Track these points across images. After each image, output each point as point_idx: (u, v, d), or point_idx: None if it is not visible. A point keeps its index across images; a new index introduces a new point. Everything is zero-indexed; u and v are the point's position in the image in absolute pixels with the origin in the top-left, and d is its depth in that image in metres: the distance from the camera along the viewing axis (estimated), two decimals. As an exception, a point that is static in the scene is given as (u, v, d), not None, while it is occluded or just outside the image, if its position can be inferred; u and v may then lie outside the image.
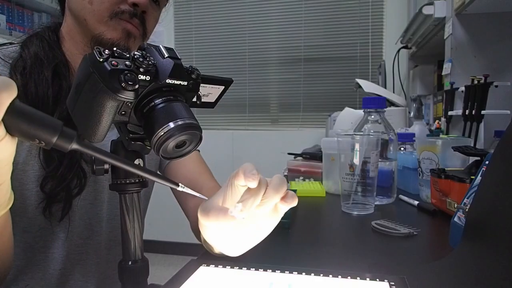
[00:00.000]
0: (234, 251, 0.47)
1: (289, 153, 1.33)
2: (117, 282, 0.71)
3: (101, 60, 0.34)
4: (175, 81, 0.39)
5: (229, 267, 0.45)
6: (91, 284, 0.69)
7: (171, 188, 0.80)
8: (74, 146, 0.32)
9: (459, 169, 0.74)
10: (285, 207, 0.41)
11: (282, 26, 2.70)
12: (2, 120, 0.29)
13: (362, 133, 0.84)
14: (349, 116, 1.50)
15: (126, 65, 0.35)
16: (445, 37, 1.39)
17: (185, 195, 0.75)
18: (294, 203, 0.41)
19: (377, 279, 0.41)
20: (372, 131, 0.85)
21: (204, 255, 0.55)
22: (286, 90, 2.74)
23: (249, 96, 2.79)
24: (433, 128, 1.50)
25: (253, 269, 0.44)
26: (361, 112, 0.93)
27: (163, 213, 2.70)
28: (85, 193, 0.65)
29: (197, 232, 0.68)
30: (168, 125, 0.36)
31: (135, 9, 0.64)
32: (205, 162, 0.81)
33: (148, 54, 0.37)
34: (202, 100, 0.47)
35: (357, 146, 0.76)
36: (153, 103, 0.38)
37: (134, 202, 0.43)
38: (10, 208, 0.41)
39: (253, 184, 0.39)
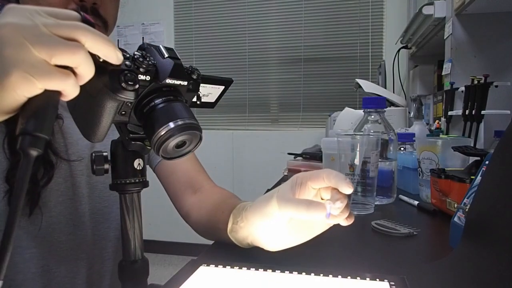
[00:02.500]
0: (276, 246, 0.49)
1: (289, 153, 1.33)
2: (105, 276, 0.70)
3: (101, 60, 0.34)
4: (175, 81, 0.39)
5: (229, 267, 0.45)
6: (79, 280, 0.68)
7: (165, 188, 0.78)
8: None
9: (459, 169, 0.74)
10: (344, 224, 0.45)
11: (282, 26, 2.71)
12: None
13: (362, 133, 0.84)
14: (349, 116, 1.50)
15: (126, 65, 0.35)
16: (445, 37, 1.39)
17: (181, 195, 0.75)
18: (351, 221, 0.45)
19: (377, 279, 0.41)
20: (372, 131, 0.85)
21: (204, 255, 0.55)
22: (286, 90, 2.74)
23: (249, 96, 2.79)
24: (433, 128, 1.50)
25: (253, 269, 0.44)
26: (361, 112, 0.93)
27: (163, 213, 2.70)
28: (63, 189, 0.65)
29: (203, 229, 0.67)
30: (168, 125, 0.36)
31: (83, 4, 0.61)
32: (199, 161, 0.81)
33: (148, 54, 0.37)
34: (202, 100, 0.47)
35: (357, 146, 0.76)
36: (153, 103, 0.38)
37: (134, 202, 0.43)
38: None
39: (350, 191, 0.43)
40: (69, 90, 0.32)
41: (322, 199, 0.47)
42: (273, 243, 0.49)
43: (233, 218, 0.53)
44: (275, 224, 0.47)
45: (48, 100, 0.31)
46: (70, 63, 0.31)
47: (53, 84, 0.30)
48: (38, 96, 0.30)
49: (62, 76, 0.31)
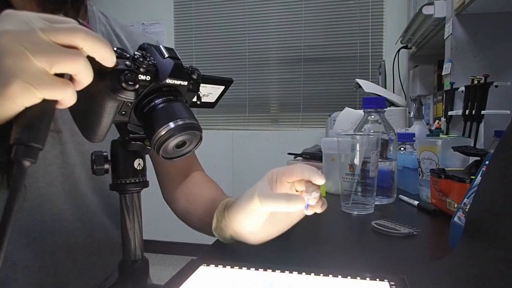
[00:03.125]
0: (258, 239, 0.52)
1: (289, 153, 1.33)
2: (105, 243, 0.67)
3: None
4: (175, 81, 0.39)
5: (229, 267, 0.45)
6: (76, 248, 0.65)
7: (156, 172, 0.77)
8: None
9: (459, 169, 0.74)
10: (320, 211, 0.48)
11: (282, 26, 2.71)
12: None
13: (362, 133, 0.84)
14: (349, 116, 1.50)
15: (126, 65, 0.35)
16: (445, 37, 1.39)
17: (171, 182, 0.74)
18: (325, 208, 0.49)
19: (377, 279, 0.41)
20: (372, 131, 0.85)
21: (204, 255, 0.55)
22: (286, 90, 2.74)
23: (249, 96, 2.79)
24: (433, 128, 1.50)
25: (253, 269, 0.44)
26: (361, 112, 0.93)
27: (163, 213, 2.69)
28: (50, 157, 0.61)
29: (189, 220, 0.68)
30: (168, 125, 0.36)
31: None
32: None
33: (148, 54, 0.37)
34: (202, 100, 0.47)
35: (357, 146, 0.76)
36: (153, 103, 0.38)
37: (134, 202, 0.43)
38: None
39: (323, 181, 0.48)
40: (68, 99, 0.32)
41: (296, 190, 0.51)
42: (255, 236, 0.52)
43: (216, 218, 0.55)
44: (257, 219, 0.50)
45: (44, 109, 0.31)
46: (70, 71, 0.31)
47: (53, 94, 0.30)
48: (35, 105, 0.30)
49: (63, 86, 0.31)
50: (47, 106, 0.31)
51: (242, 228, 0.51)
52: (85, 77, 0.32)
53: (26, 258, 0.61)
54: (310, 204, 0.46)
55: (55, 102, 0.31)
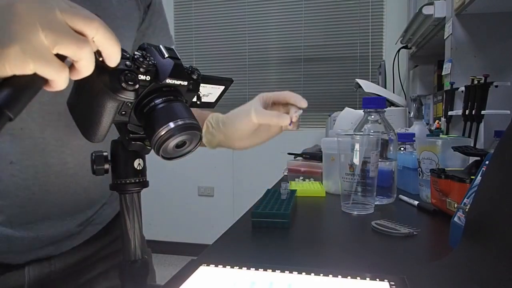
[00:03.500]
0: (243, 146, 0.65)
1: (289, 153, 1.33)
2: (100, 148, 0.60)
3: (101, 59, 0.34)
4: (175, 81, 0.39)
5: (229, 266, 0.45)
6: (68, 149, 0.58)
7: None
8: None
9: (459, 169, 0.74)
10: (295, 128, 0.62)
11: (282, 26, 2.71)
12: None
13: (362, 133, 0.84)
14: (349, 116, 1.50)
15: (126, 65, 0.35)
16: (445, 37, 1.39)
17: None
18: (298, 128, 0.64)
19: (377, 279, 0.41)
20: (372, 131, 0.85)
21: (204, 255, 0.55)
22: (286, 90, 2.74)
23: (249, 96, 2.79)
24: (433, 128, 1.50)
25: (253, 269, 0.44)
26: (361, 112, 0.93)
27: (163, 213, 2.70)
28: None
29: None
30: (168, 125, 0.36)
31: None
32: None
33: (148, 54, 0.37)
34: (202, 100, 0.47)
35: (357, 146, 0.76)
36: (153, 103, 0.38)
37: (134, 202, 0.43)
38: None
39: (306, 104, 0.63)
40: (59, 83, 0.32)
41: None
42: (241, 143, 0.64)
43: (207, 125, 0.66)
44: (248, 130, 0.62)
45: (32, 83, 0.31)
46: (72, 55, 0.31)
47: (45, 72, 0.31)
48: (25, 76, 0.30)
49: (58, 67, 0.31)
50: (36, 82, 0.31)
51: (234, 135, 0.63)
52: (85, 66, 0.32)
53: (12, 153, 0.54)
54: (293, 121, 0.60)
55: (44, 81, 0.31)
